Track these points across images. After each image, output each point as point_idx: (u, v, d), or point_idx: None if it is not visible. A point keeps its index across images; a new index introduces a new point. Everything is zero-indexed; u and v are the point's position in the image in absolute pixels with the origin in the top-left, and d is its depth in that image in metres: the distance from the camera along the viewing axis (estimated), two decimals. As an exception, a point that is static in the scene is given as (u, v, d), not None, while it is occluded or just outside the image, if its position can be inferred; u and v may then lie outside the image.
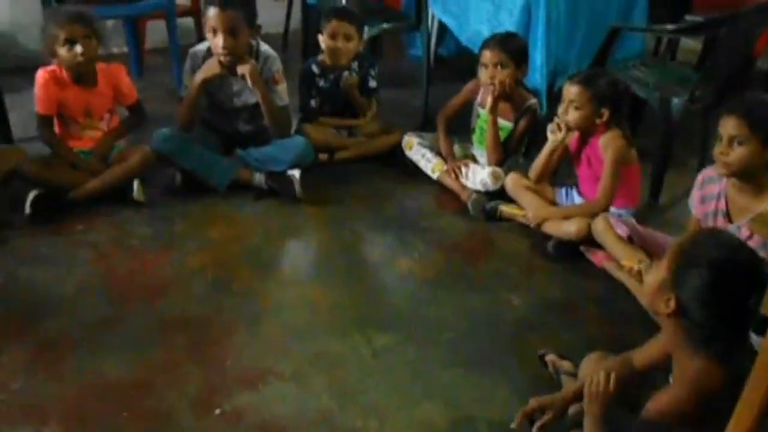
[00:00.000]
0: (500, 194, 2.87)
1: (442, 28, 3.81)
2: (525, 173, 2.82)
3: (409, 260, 2.57)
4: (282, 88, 2.99)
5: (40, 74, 2.77)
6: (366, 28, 3.31)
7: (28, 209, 2.61)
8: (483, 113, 3.04)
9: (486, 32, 3.26)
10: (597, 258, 2.50)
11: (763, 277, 1.42)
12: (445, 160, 3.08)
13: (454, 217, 2.87)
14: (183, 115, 2.95)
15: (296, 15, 4.77)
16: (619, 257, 2.39)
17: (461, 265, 2.56)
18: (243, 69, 2.81)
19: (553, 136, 2.64)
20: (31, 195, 2.63)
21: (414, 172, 3.14)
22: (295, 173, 2.88)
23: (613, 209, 2.58)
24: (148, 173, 2.90)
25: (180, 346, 2.07)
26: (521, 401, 1.80)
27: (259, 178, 2.93)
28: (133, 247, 2.59)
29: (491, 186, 2.88)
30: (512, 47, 2.91)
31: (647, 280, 1.59)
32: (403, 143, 3.21)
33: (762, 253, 1.77)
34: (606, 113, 2.54)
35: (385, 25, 3.85)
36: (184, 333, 2.13)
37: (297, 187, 2.86)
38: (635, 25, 3.48)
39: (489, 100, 2.93)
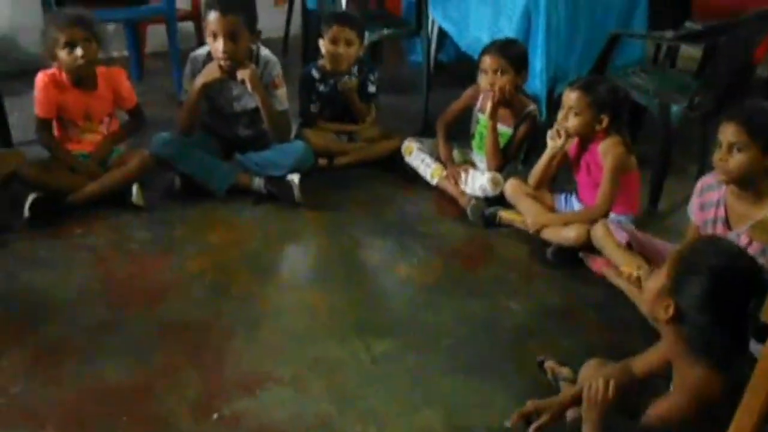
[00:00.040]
0: (499, 200, 2.88)
1: (442, 34, 3.82)
2: (524, 179, 2.82)
3: (408, 266, 2.57)
4: (282, 92, 3.00)
5: (40, 77, 2.77)
6: (366, 34, 3.32)
7: (26, 212, 2.61)
8: (482, 119, 3.04)
9: (486, 38, 3.27)
10: (596, 264, 2.50)
11: (762, 284, 1.42)
12: (444, 165, 3.08)
13: (454, 222, 2.87)
14: (183, 120, 2.95)
15: (296, 20, 4.78)
16: (618, 264, 2.39)
17: (460, 271, 2.56)
18: (243, 74, 2.82)
19: (553, 143, 2.65)
20: (30, 198, 2.63)
21: (413, 177, 3.14)
22: (295, 178, 2.88)
23: (612, 216, 2.58)
24: (148, 177, 2.90)
25: (179, 351, 2.06)
26: (520, 407, 1.80)
27: (258, 182, 2.93)
28: (132, 251, 2.58)
29: (490, 192, 2.89)
30: (512, 53, 2.92)
31: (647, 287, 1.59)
32: (403, 149, 3.21)
33: (761, 260, 1.77)
34: (605, 120, 2.55)
35: (385, 31, 3.86)
36: (183, 337, 2.12)
37: (296, 191, 2.86)
38: (635, 31, 3.49)
39: (489, 106, 2.93)
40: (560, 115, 2.63)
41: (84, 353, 2.03)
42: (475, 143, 3.16)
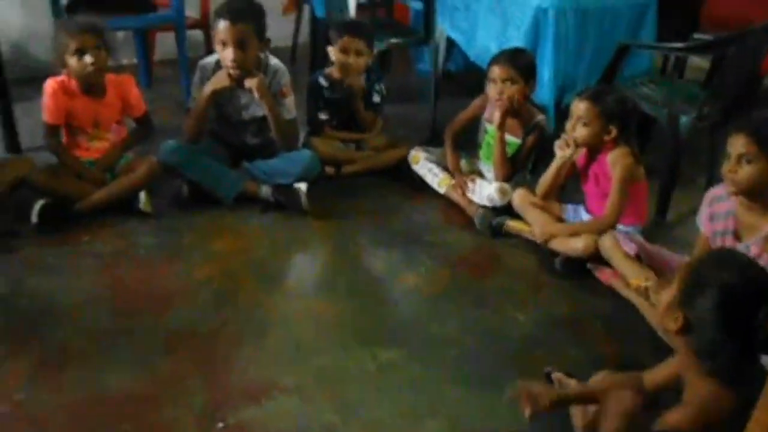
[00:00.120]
0: (507, 210, 2.87)
1: (451, 43, 3.82)
2: (532, 189, 2.81)
3: (414, 275, 2.56)
4: (290, 101, 3.00)
5: (49, 83, 2.78)
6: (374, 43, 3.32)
7: (34, 218, 2.62)
8: (490, 129, 3.03)
9: (494, 48, 3.27)
10: (604, 275, 2.49)
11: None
12: (452, 175, 3.08)
13: (461, 232, 2.87)
14: (191, 127, 2.95)
15: (305, 29, 4.79)
16: (626, 275, 2.38)
17: (467, 281, 2.55)
18: (251, 83, 2.82)
19: (561, 153, 2.64)
20: (38, 205, 2.63)
21: (421, 186, 3.14)
22: (302, 186, 2.88)
23: (620, 227, 2.57)
24: (155, 184, 2.90)
25: (184, 358, 2.06)
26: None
27: (265, 190, 2.93)
28: (139, 258, 2.59)
29: (498, 201, 2.88)
30: (521, 63, 2.92)
31: (659, 299, 1.58)
32: (410, 157, 3.21)
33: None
34: (614, 130, 2.54)
35: (393, 40, 3.87)
36: (189, 345, 2.12)
37: (303, 200, 2.85)
38: (644, 42, 3.48)
39: (497, 116, 2.93)
40: (568, 125, 2.62)
41: (89, 360, 2.03)
42: (482, 153, 3.15)
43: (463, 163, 3.15)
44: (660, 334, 2.06)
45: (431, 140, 3.51)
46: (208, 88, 2.86)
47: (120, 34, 4.12)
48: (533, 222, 2.72)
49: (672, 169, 2.97)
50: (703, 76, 3.95)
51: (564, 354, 2.15)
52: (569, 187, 2.84)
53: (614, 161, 2.55)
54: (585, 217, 2.75)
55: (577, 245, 2.53)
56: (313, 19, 4.50)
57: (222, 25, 2.74)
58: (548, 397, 1.64)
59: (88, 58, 2.68)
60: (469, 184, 2.98)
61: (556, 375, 1.95)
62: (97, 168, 2.84)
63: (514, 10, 3.33)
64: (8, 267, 2.46)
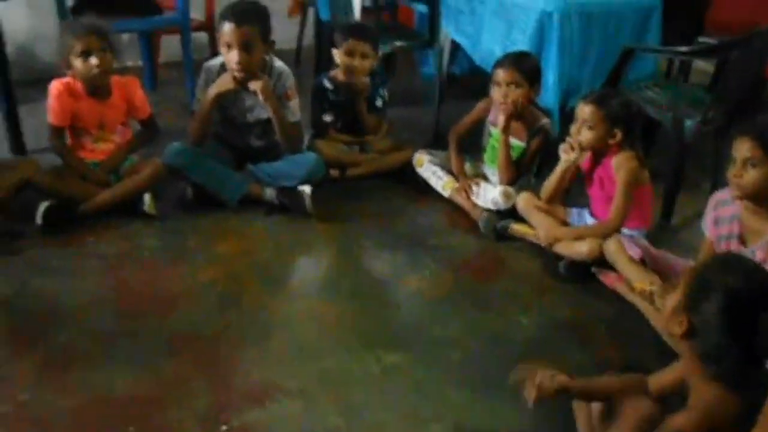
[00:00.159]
0: (511, 213, 2.86)
1: (455, 46, 3.82)
2: (537, 193, 2.81)
3: (419, 278, 2.56)
4: (294, 103, 3.00)
5: (54, 85, 2.78)
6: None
7: (39, 220, 2.62)
8: (495, 132, 3.03)
9: (499, 51, 3.27)
10: (609, 279, 2.49)
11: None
12: (456, 178, 3.08)
13: (465, 235, 2.87)
14: (195, 129, 2.95)
15: (309, 31, 4.79)
16: (631, 279, 2.38)
17: (471, 284, 2.55)
18: (255, 86, 2.82)
19: (566, 156, 2.64)
20: (42, 206, 2.63)
21: (425, 189, 3.14)
22: (306, 189, 2.88)
23: (625, 230, 2.56)
24: (160, 186, 2.90)
25: (188, 361, 2.06)
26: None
27: (270, 193, 2.93)
28: (143, 260, 2.59)
29: (502, 205, 2.87)
30: (526, 66, 2.91)
31: (664, 303, 1.58)
32: (414, 160, 3.21)
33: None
34: (619, 134, 2.53)
35: (398, 43, 3.87)
36: (193, 347, 2.12)
37: (308, 202, 2.86)
38: (649, 45, 3.48)
39: (501, 119, 2.93)
40: (573, 128, 2.62)
41: (93, 362, 2.03)
42: (487, 156, 3.15)
43: (468, 167, 3.15)
44: (665, 339, 2.06)
45: (435, 143, 3.52)
46: (213, 90, 2.86)
47: (125, 37, 4.12)
48: (538, 225, 2.72)
49: (677, 173, 2.96)
50: (708, 80, 3.95)
51: (568, 358, 2.14)
52: (574, 191, 2.84)
53: (619, 165, 2.55)
54: (589, 220, 2.74)
55: (581, 249, 2.53)
56: (318, 22, 4.50)
57: (227, 28, 2.74)
58: (553, 383, 1.62)
59: (93, 60, 2.69)
60: (474, 188, 2.98)
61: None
62: (101, 170, 2.85)
63: (519, 14, 3.33)
64: (13, 268, 2.46)
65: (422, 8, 4.09)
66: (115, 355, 2.06)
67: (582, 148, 2.60)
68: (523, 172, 3.03)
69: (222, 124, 3.06)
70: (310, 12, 4.71)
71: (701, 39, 3.70)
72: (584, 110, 2.56)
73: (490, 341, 2.22)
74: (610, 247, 2.46)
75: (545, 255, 2.67)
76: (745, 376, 1.45)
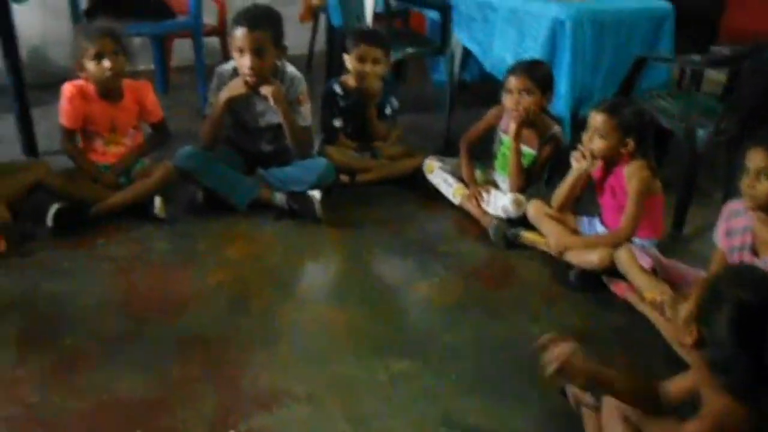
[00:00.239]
0: (522, 221, 2.85)
1: (467, 53, 3.83)
2: (547, 201, 2.80)
3: (428, 285, 2.55)
4: (306, 109, 3.01)
5: (67, 87, 2.80)
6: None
7: (50, 222, 2.63)
8: (506, 139, 3.03)
9: (510, 59, 3.27)
10: (619, 289, 2.47)
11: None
12: (466, 185, 3.07)
13: (475, 242, 2.86)
14: (206, 133, 2.96)
15: (321, 37, 4.81)
16: (642, 288, 2.36)
17: (481, 292, 2.54)
18: (267, 91, 2.83)
19: (578, 165, 2.63)
20: (54, 208, 2.65)
21: (435, 195, 3.13)
22: (316, 194, 2.88)
23: (636, 240, 2.55)
24: (170, 190, 2.91)
25: (197, 364, 2.06)
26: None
27: (280, 197, 2.93)
28: (153, 263, 2.59)
29: (513, 213, 2.86)
30: (538, 74, 2.91)
31: (675, 313, 1.57)
32: (424, 167, 3.20)
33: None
34: (631, 143, 2.52)
35: (410, 50, 3.87)
36: (201, 351, 2.12)
37: (317, 207, 2.86)
38: (661, 55, 3.47)
39: (513, 127, 2.92)
40: (585, 137, 2.61)
41: (102, 364, 2.03)
42: (498, 163, 3.14)
43: (478, 174, 3.14)
44: (675, 349, 2.04)
45: (446, 150, 3.51)
46: (225, 94, 2.87)
47: (137, 40, 4.13)
48: (548, 234, 2.71)
49: (689, 183, 2.95)
50: (720, 89, 3.93)
51: (578, 367, 2.12)
52: (585, 200, 2.82)
53: (631, 174, 2.54)
54: (600, 229, 2.73)
55: (592, 258, 2.51)
56: (330, 28, 4.51)
57: (239, 32, 2.75)
58: (583, 365, 1.61)
59: (106, 63, 2.70)
60: (484, 195, 2.97)
61: (572, 390, 1.93)
62: (112, 172, 2.86)
63: (531, 22, 3.33)
64: (24, 270, 2.47)
65: (434, 15, 4.09)
66: (124, 358, 2.06)
67: (594, 157, 2.59)
68: (534, 179, 3.02)
69: (233, 129, 3.06)
70: (322, 18, 4.72)
71: (714, 48, 3.68)
72: (596, 119, 2.55)
73: (499, 349, 2.21)
74: (621, 257, 2.44)
75: (555, 263, 2.66)
76: (755, 388, 1.44)
